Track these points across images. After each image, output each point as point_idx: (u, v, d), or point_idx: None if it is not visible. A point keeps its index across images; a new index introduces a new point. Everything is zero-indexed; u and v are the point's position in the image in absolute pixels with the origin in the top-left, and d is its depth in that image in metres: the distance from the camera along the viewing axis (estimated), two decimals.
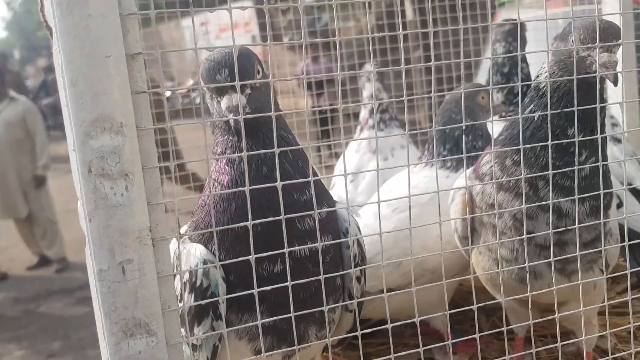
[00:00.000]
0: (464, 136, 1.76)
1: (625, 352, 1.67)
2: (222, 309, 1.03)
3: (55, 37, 0.80)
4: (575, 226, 1.15)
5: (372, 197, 1.91)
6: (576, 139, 1.16)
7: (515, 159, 1.35)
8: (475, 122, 1.79)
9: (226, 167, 1.07)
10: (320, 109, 3.47)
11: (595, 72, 1.19)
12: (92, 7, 0.79)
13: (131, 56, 0.84)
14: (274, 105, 0.94)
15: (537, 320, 1.15)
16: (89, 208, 0.83)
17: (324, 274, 1.00)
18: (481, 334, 1.13)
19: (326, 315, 1.01)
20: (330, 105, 3.92)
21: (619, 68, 1.22)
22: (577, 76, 1.11)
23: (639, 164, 2.16)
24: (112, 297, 0.85)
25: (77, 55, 0.80)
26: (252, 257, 0.93)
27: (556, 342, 1.76)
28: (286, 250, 0.95)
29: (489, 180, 1.39)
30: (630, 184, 1.97)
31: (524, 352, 1.67)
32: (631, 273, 2.06)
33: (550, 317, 1.20)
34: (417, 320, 1.09)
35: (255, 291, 0.93)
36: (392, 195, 1.71)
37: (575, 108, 1.10)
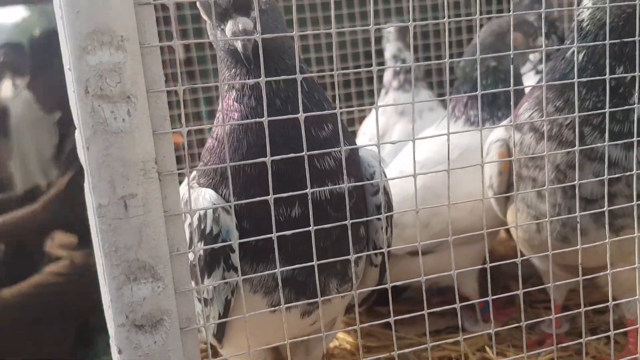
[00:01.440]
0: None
1: None
2: (235, 257, 0.93)
3: None
4: (634, 173, 1.02)
5: (398, 158, 1.80)
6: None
7: (557, 104, 1.23)
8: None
9: (235, 104, 0.96)
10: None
11: None
12: None
13: None
14: (296, 29, 0.82)
15: (586, 277, 1.04)
16: (87, 134, 0.73)
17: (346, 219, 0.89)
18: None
19: (352, 264, 0.91)
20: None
21: None
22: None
23: None
24: (113, 235, 0.75)
25: None
26: (270, 198, 0.82)
27: (594, 312, 1.66)
28: (309, 190, 0.84)
29: (527, 130, 1.28)
30: None
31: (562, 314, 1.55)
32: None
33: (600, 274, 1.09)
34: (453, 272, 0.98)
35: (274, 235, 0.83)
36: (418, 154, 1.60)
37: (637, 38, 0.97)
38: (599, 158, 1.19)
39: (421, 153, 1.60)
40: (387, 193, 1.10)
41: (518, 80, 1.67)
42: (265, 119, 0.81)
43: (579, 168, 1.22)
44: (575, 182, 0.98)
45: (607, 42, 0.98)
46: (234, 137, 0.95)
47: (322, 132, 0.96)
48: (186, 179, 1.02)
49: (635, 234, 1.16)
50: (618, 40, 1.11)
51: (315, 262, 0.86)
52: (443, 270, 1.41)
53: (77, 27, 0.71)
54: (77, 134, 0.77)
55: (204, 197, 0.95)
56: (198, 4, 0.93)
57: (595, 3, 1.19)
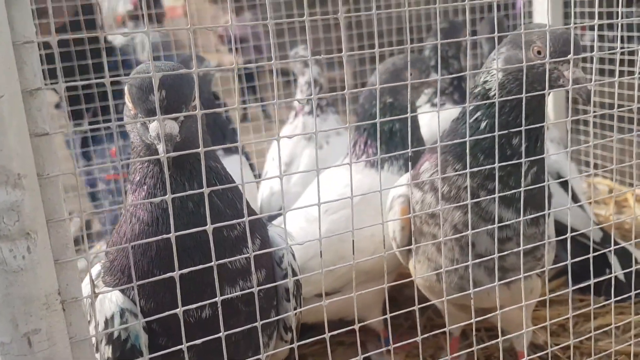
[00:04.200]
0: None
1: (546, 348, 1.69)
2: None
3: None
4: (520, 249, 1.10)
5: (306, 188, 1.82)
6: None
7: (457, 168, 1.29)
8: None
9: (145, 203, 0.94)
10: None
11: (560, 86, 1.14)
12: None
13: (29, 92, 0.70)
14: (201, 139, 0.81)
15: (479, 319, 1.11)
16: None
17: (258, 310, 0.91)
18: (423, 335, 1.08)
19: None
20: (256, 60, 3.81)
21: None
22: (548, 89, 1.07)
23: (565, 153, 2.17)
24: None
25: None
26: (179, 310, 0.82)
27: (489, 337, 1.78)
28: (219, 299, 0.85)
29: (428, 189, 1.33)
30: (559, 176, 1.97)
31: (460, 353, 1.66)
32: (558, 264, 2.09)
33: (494, 338, 1.17)
34: (356, 327, 1.02)
35: (184, 346, 0.84)
36: (322, 196, 1.62)
37: (546, 123, 1.03)
38: (493, 220, 1.27)
39: (324, 196, 1.63)
40: (296, 274, 1.12)
41: (413, 118, 1.72)
42: (172, 235, 0.81)
43: (475, 228, 1.30)
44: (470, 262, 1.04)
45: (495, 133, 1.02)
46: (144, 237, 0.94)
47: (234, 232, 0.96)
48: (88, 276, 1.00)
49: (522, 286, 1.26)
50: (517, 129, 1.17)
51: None
52: (350, 308, 1.46)
53: None
54: None
55: (111, 300, 0.93)
56: (126, 90, 0.90)
57: (502, 85, 1.23)
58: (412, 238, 1.09)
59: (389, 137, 1.68)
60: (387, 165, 1.65)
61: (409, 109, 0.99)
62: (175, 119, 0.87)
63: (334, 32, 2.97)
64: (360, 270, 1.66)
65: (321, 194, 1.69)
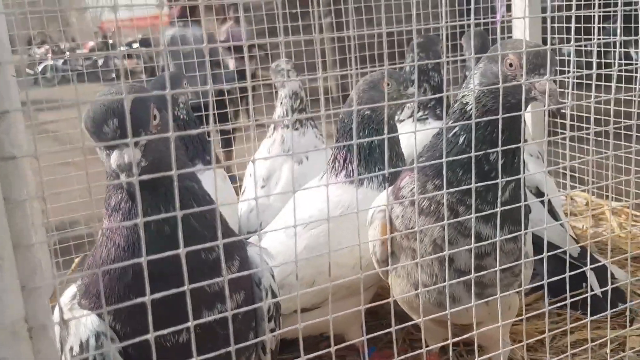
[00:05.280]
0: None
1: None
2: None
3: None
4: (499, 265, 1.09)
5: (286, 204, 1.81)
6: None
7: (436, 183, 1.29)
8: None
9: (121, 228, 0.93)
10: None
11: (533, 99, 1.14)
12: None
13: None
14: (174, 159, 0.79)
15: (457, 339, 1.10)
16: None
17: (235, 333, 0.89)
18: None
19: None
20: (255, 68, 3.81)
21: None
22: (524, 103, 1.06)
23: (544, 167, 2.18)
24: None
25: None
26: (151, 336, 0.81)
27: (468, 352, 1.78)
28: (192, 324, 0.83)
29: (408, 204, 1.33)
30: (538, 189, 1.98)
31: None
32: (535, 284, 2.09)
33: (473, 352, 1.16)
34: (332, 349, 1.01)
35: None
36: (302, 211, 1.60)
37: (522, 144, 1.03)
38: (472, 235, 1.26)
39: (305, 210, 1.62)
40: (275, 294, 1.10)
41: (382, 125, 1.67)
42: (144, 259, 0.79)
43: (454, 243, 1.29)
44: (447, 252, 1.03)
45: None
46: (120, 261, 0.92)
47: (212, 254, 0.94)
48: (64, 296, 0.97)
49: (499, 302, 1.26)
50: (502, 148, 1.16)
51: None
52: (329, 323, 1.44)
53: None
54: None
55: (86, 325, 0.91)
56: (83, 126, 0.88)
57: (479, 99, 1.23)
58: (389, 259, 1.08)
59: (369, 153, 1.67)
60: (367, 181, 1.64)
61: (386, 125, 0.98)
62: (136, 144, 0.86)
63: (317, 44, 2.95)
64: (340, 285, 1.66)
65: (301, 210, 1.67)
